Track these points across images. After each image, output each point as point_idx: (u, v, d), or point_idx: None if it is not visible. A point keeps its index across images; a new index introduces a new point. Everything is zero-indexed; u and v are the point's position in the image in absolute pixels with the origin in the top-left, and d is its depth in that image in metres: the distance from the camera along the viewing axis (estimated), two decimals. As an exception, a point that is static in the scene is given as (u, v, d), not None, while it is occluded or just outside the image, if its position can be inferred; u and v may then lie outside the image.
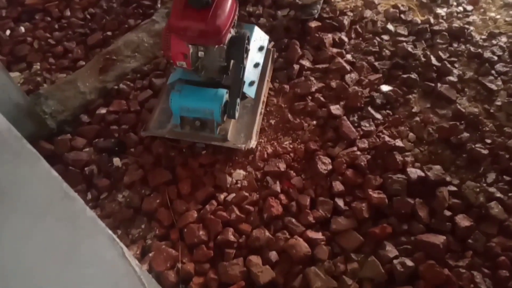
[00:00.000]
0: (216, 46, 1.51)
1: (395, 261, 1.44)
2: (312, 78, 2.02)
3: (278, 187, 1.65)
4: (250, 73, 1.75)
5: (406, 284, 1.41)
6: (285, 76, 2.04)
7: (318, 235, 1.51)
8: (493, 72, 2.02)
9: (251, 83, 1.74)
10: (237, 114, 1.63)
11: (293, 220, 1.56)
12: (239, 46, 1.54)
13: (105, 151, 1.72)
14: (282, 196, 1.63)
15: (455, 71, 2.02)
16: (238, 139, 1.73)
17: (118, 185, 1.62)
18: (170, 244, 1.49)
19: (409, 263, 1.43)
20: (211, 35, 1.44)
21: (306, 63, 2.07)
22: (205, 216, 1.55)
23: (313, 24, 2.20)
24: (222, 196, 1.62)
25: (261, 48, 1.87)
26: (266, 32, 2.01)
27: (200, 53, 1.52)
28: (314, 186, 1.67)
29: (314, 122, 1.87)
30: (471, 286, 1.40)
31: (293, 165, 1.75)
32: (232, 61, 1.61)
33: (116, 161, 1.66)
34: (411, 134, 1.82)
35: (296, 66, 2.04)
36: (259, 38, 1.89)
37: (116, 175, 1.65)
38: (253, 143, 1.72)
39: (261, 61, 1.85)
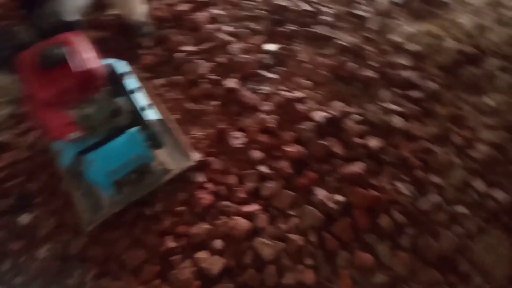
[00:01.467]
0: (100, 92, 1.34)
1: (327, 202, 1.51)
2: (199, 61, 1.99)
3: (202, 178, 1.63)
4: (137, 100, 1.53)
5: (343, 218, 1.49)
6: (171, 68, 1.98)
7: (254, 207, 1.53)
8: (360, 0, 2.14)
9: (145, 108, 1.52)
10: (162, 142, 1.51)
11: (226, 202, 1.55)
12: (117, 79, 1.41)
13: (8, 213, 1.56)
14: (209, 185, 1.61)
15: (327, 10, 2.11)
16: (180, 159, 1.62)
17: (34, 241, 1.49)
18: (112, 278, 1.42)
19: (340, 198, 1.51)
20: (91, 83, 1.25)
21: (189, 47, 2.03)
22: (138, 236, 1.49)
23: (186, 7, 2.14)
24: (149, 210, 1.56)
25: (124, 74, 1.58)
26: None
27: (87, 111, 1.32)
28: (235, 163, 1.67)
29: (215, 102, 1.86)
30: (398, 197, 1.52)
31: (210, 151, 1.73)
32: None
33: (24, 218, 1.52)
34: (306, 81, 1.89)
35: (179, 54, 1.99)
36: (120, 66, 1.61)
37: (29, 232, 1.51)
38: (196, 154, 1.64)
39: (134, 85, 1.56)
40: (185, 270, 1.40)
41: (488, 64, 1.84)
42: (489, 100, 1.73)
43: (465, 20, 1.99)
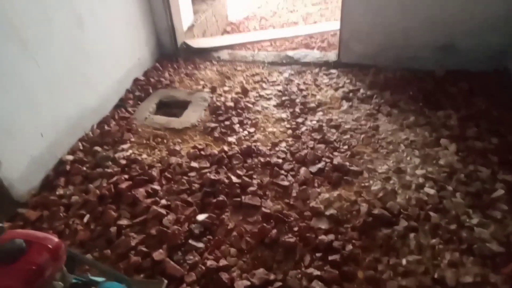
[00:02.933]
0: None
1: None
2: (132, 234, 2.07)
3: None
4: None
5: None
6: (104, 242, 2.04)
7: None
8: (282, 172, 2.42)
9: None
10: None
11: None
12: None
13: None
14: None
15: (254, 181, 2.35)
16: None
17: None
18: None
19: None
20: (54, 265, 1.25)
21: (124, 221, 2.14)
22: None
23: (124, 184, 2.35)
24: None
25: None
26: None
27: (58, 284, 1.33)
28: None
29: (141, 275, 1.86)
30: None
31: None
32: None
33: None
34: (232, 249, 1.96)
35: (113, 229, 2.08)
36: None
37: None
38: None
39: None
40: None
41: (399, 226, 1.99)
42: (403, 261, 1.81)
43: (376, 186, 2.24)
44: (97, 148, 2.68)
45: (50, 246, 1.26)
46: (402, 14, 3.22)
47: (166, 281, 1.71)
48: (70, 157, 2.61)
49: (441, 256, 1.80)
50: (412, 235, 1.92)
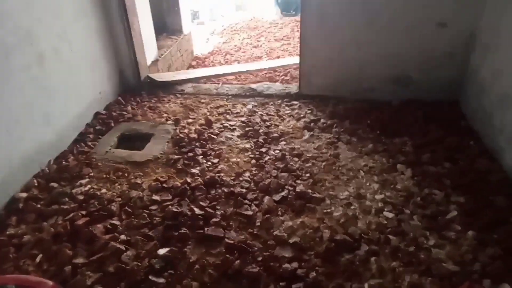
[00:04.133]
0: None
1: None
2: (89, 272, 1.96)
3: None
4: None
5: None
6: (58, 282, 1.91)
7: None
8: (246, 201, 2.42)
9: None
10: None
11: None
12: None
13: None
14: None
15: (217, 212, 2.33)
16: None
17: None
18: None
19: None
20: None
21: (80, 260, 2.03)
22: None
23: (81, 221, 2.25)
24: None
25: None
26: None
27: None
28: None
29: (97, 317, 1.75)
30: None
31: None
32: None
33: None
34: (194, 283, 1.89)
35: (68, 268, 1.97)
36: None
37: None
38: None
39: None
40: None
41: (361, 250, 2.01)
42: (366, 286, 1.82)
43: (338, 212, 2.28)
44: (53, 184, 2.58)
45: None
46: (357, 49, 3.43)
47: None
48: (24, 195, 2.49)
49: (402, 279, 1.83)
50: (373, 259, 1.94)
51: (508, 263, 1.85)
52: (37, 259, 2.03)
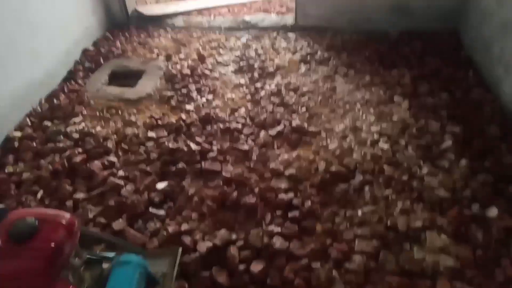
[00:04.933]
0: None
1: None
2: (90, 206, 2.01)
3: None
4: None
5: None
6: (61, 216, 1.98)
7: None
8: (242, 136, 2.42)
9: None
10: None
11: None
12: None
13: None
14: None
15: (213, 147, 2.34)
16: None
17: None
18: None
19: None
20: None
21: (80, 195, 2.07)
22: None
23: (78, 158, 2.26)
24: None
25: None
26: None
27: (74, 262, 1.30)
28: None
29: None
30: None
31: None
32: None
33: None
34: (193, 214, 1.96)
35: (70, 202, 2.02)
36: None
37: None
38: None
39: None
40: None
41: (355, 180, 2.05)
42: (359, 212, 1.88)
43: (333, 144, 2.29)
44: (47, 123, 2.55)
45: (63, 222, 1.20)
46: (356, -25, 3.21)
47: (180, 249, 1.65)
48: (18, 133, 2.47)
49: (394, 205, 1.89)
50: (367, 187, 1.99)
51: (498, 189, 1.91)
52: (38, 195, 2.07)
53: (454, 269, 1.60)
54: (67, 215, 1.22)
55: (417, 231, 1.76)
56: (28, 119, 2.58)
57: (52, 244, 1.13)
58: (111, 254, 1.45)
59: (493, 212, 1.76)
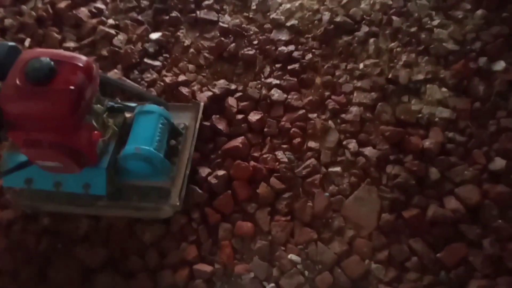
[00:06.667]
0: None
1: (209, 178, 1.53)
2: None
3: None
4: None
5: (224, 191, 1.52)
6: (53, 66, 1.92)
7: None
8: (241, -18, 2.18)
9: None
10: None
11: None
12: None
13: None
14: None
15: (209, -6, 2.13)
16: None
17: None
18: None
19: (220, 172, 1.54)
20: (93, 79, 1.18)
21: (71, 44, 1.98)
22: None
23: (63, 4, 2.08)
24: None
25: None
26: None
27: (96, 108, 1.29)
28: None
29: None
30: (277, 164, 1.58)
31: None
32: None
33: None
34: (190, 65, 1.90)
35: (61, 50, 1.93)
36: None
37: None
38: None
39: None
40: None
41: (360, 32, 1.93)
42: (360, 65, 1.83)
43: (340, -7, 2.09)
44: (21, -37, 2.26)
45: (81, 65, 1.13)
46: None
47: (202, 103, 1.65)
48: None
49: (398, 58, 1.82)
50: (372, 40, 1.88)
51: (510, 42, 1.81)
52: (26, 43, 1.97)
53: (449, 119, 1.63)
54: (84, 58, 1.16)
55: (418, 83, 1.73)
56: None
57: (72, 87, 1.08)
58: (133, 104, 1.45)
59: (500, 65, 1.70)
